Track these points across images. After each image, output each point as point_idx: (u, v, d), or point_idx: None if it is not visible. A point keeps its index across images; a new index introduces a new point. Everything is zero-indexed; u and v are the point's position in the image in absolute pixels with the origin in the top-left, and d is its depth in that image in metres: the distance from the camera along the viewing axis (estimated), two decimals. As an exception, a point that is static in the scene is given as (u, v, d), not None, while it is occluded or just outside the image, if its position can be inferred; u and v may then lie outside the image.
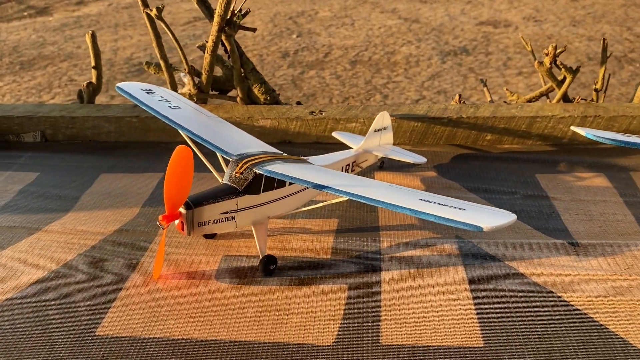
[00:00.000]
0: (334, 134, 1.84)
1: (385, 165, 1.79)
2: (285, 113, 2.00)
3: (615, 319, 1.16)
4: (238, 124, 1.81)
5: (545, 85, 2.16)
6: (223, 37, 1.98)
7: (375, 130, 1.64)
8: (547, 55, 2.00)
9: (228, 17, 1.94)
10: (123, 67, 4.29)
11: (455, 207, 1.07)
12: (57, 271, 1.33)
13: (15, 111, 2.08)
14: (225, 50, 2.04)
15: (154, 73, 2.16)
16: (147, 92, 1.57)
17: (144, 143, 2.03)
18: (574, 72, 2.01)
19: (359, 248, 1.39)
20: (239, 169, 1.29)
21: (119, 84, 1.58)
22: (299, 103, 2.16)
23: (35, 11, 5.99)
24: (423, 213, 1.06)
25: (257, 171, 1.27)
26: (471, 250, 1.38)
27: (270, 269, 1.30)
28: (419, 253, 1.37)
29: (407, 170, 1.78)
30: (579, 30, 4.83)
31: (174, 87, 2.10)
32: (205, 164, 1.45)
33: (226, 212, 1.26)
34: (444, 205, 1.09)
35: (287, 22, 5.28)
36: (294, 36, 4.88)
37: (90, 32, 2.14)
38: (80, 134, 2.06)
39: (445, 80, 3.91)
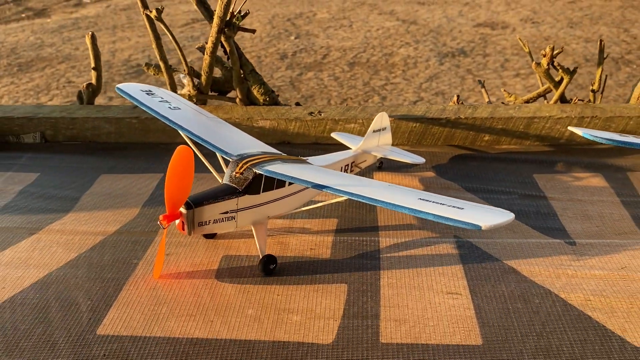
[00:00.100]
0: (333, 135, 1.85)
1: (384, 165, 1.79)
2: (284, 114, 2.01)
3: (612, 317, 1.17)
4: (237, 125, 1.82)
5: (542, 86, 2.17)
6: (222, 39, 1.99)
7: (374, 131, 1.65)
8: (544, 56, 2.02)
9: (227, 18, 1.94)
10: (121, 68, 4.30)
11: (453, 206, 1.08)
12: (57, 271, 1.34)
13: (15, 112, 2.08)
14: (225, 51, 2.04)
15: (154, 74, 2.16)
16: (147, 93, 1.58)
17: (144, 144, 2.03)
18: (571, 73, 2.02)
19: (358, 248, 1.40)
20: (239, 169, 1.29)
21: (119, 85, 1.59)
22: (298, 104, 2.17)
23: (33, 13, 5.99)
24: (422, 212, 1.07)
25: (256, 171, 1.28)
26: (470, 249, 1.39)
27: (270, 269, 1.31)
28: (418, 252, 1.38)
29: (406, 170, 1.79)
30: (576, 32, 4.86)
31: (174, 88, 2.11)
32: (205, 165, 1.46)
33: (226, 212, 1.27)
34: (443, 204, 1.09)
35: (285, 24, 5.29)
36: (292, 38, 4.90)
37: (90, 33, 2.15)
38: (80, 135, 2.07)
39: (443, 81, 3.92)
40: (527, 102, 2.18)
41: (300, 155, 1.54)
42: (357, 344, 1.12)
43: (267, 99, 2.11)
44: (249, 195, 1.29)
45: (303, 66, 4.26)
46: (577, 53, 4.36)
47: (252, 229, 1.32)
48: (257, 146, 1.44)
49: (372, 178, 1.72)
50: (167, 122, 1.46)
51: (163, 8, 1.99)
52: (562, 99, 2.10)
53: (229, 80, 2.14)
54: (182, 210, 1.22)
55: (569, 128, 1.77)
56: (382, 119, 1.67)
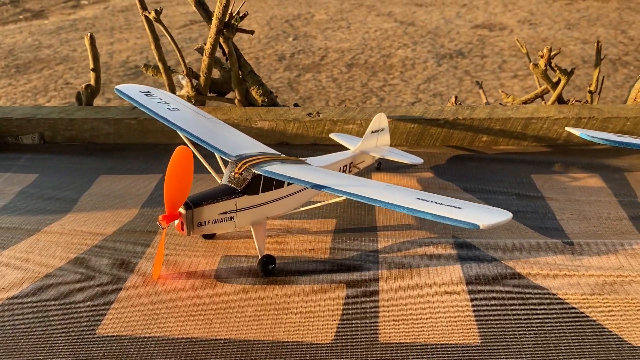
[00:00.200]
0: (332, 136, 1.86)
1: (382, 166, 1.80)
2: (282, 115, 2.01)
3: (609, 316, 1.18)
4: (236, 126, 1.82)
5: (540, 87, 2.18)
6: (221, 40, 1.99)
7: (372, 132, 1.66)
8: (542, 57, 2.03)
9: (226, 19, 1.95)
10: (119, 70, 4.30)
11: (452, 206, 1.09)
12: (57, 271, 1.34)
13: (14, 113, 2.08)
14: (223, 52, 2.05)
15: (152, 75, 2.17)
16: (146, 94, 1.58)
17: (143, 145, 2.04)
18: (569, 74, 2.03)
19: (357, 248, 1.41)
20: (238, 170, 1.30)
21: (118, 86, 1.59)
22: (296, 105, 2.18)
23: (31, 14, 5.99)
24: (420, 212, 1.08)
25: (255, 172, 1.28)
26: (468, 249, 1.39)
27: (269, 269, 1.31)
28: (416, 252, 1.39)
29: (404, 171, 1.80)
30: (574, 34, 4.87)
31: (173, 90, 2.11)
32: (204, 165, 1.46)
33: (225, 213, 1.27)
34: (441, 204, 1.10)
35: (283, 25, 5.30)
36: (291, 39, 4.90)
37: (89, 34, 2.15)
38: (79, 136, 2.07)
39: (441, 83, 3.93)
40: (525, 103, 2.18)
41: (298, 155, 1.54)
42: (356, 343, 1.12)
43: (266, 100, 2.11)
44: (248, 195, 1.29)
45: (301, 67, 4.26)
46: (574, 54, 4.37)
47: (251, 229, 1.33)
48: (255, 147, 1.44)
49: (371, 178, 1.72)
50: (166, 123, 1.47)
51: (162, 9, 2.00)
52: (560, 100, 2.10)
53: (227, 81, 2.14)
54: (181, 210, 1.22)
55: (567, 129, 1.78)
56: (380, 120, 1.67)
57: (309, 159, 1.48)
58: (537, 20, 5.25)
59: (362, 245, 1.42)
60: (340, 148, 1.71)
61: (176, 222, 1.24)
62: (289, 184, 1.35)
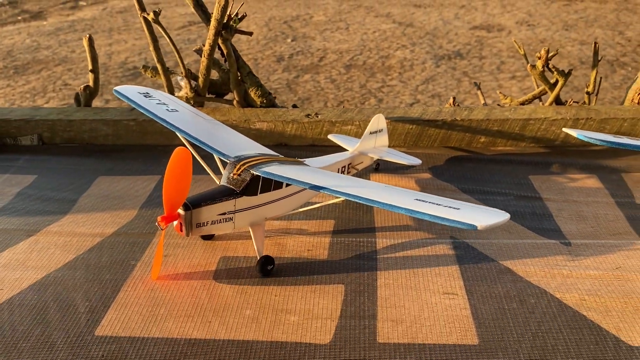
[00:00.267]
0: (330, 137, 1.86)
1: (380, 167, 1.80)
2: (281, 116, 2.02)
3: (607, 317, 1.18)
4: (235, 127, 1.83)
5: (537, 88, 2.19)
6: (220, 41, 2.00)
7: (370, 133, 1.66)
8: (539, 58, 2.03)
9: (224, 21, 1.95)
10: (117, 71, 4.30)
11: (450, 207, 1.09)
12: (55, 272, 1.34)
13: (13, 114, 2.08)
14: (222, 54, 2.05)
15: (151, 76, 2.17)
16: (145, 96, 1.58)
17: (142, 146, 2.04)
18: (566, 75, 2.04)
19: (355, 248, 1.41)
20: (237, 171, 1.30)
21: (117, 88, 1.60)
22: (294, 106, 2.18)
23: (30, 15, 5.99)
24: (418, 212, 1.08)
25: (254, 173, 1.28)
26: (466, 250, 1.40)
27: (268, 269, 1.31)
28: (415, 253, 1.39)
29: (402, 172, 1.80)
30: (572, 35, 4.88)
31: (171, 91, 2.12)
32: (202, 166, 1.46)
33: (224, 213, 1.27)
34: (439, 205, 1.10)
35: (281, 26, 5.31)
36: (289, 40, 4.91)
37: (88, 35, 2.15)
38: (78, 137, 2.07)
39: (440, 84, 3.94)
40: (523, 104, 2.19)
41: (297, 157, 1.55)
42: (355, 344, 1.12)
43: (264, 101, 2.12)
44: (247, 196, 1.29)
45: (300, 69, 4.27)
46: (572, 55, 4.39)
47: (250, 230, 1.33)
48: (254, 148, 1.44)
49: (369, 179, 1.73)
50: (165, 124, 1.47)
51: (160, 11, 2.00)
52: (557, 101, 2.11)
53: (226, 82, 2.14)
54: (180, 211, 1.23)
55: (564, 130, 1.78)
56: (378, 121, 1.68)
57: (307, 160, 1.48)
58: (535, 22, 5.27)
59: (361, 246, 1.42)
60: (339, 149, 1.71)
61: (175, 223, 1.24)
62: (287, 185, 1.35)
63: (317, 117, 2.00)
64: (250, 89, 2.11)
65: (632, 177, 1.75)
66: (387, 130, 1.74)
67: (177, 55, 2.05)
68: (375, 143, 1.69)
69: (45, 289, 1.29)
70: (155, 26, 2.01)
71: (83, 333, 1.16)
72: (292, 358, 1.09)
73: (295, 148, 1.99)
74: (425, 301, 1.23)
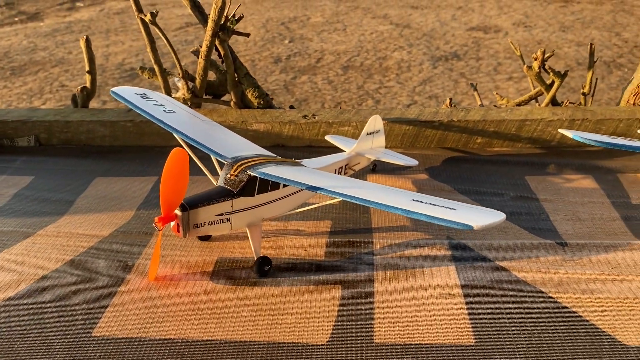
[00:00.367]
0: (327, 138, 1.86)
1: (377, 168, 1.81)
2: (278, 117, 2.02)
3: (603, 316, 1.19)
4: (232, 128, 1.83)
5: (534, 89, 2.20)
6: (217, 42, 2.00)
7: (367, 134, 1.67)
8: (535, 59, 2.04)
9: (222, 22, 1.96)
10: (115, 72, 4.30)
11: (446, 207, 1.10)
12: (52, 274, 1.34)
13: (10, 115, 2.08)
14: (219, 55, 2.06)
15: (148, 78, 2.17)
16: (142, 97, 1.58)
17: (139, 147, 2.04)
18: (562, 76, 2.04)
19: (352, 249, 1.41)
20: (234, 172, 1.30)
21: (114, 89, 1.60)
22: (292, 107, 2.18)
23: (26, 17, 5.98)
24: (415, 213, 1.08)
25: (251, 173, 1.29)
26: (462, 250, 1.40)
27: (265, 270, 1.32)
28: (411, 254, 1.40)
29: (399, 172, 1.80)
30: (568, 36, 4.90)
31: (168, 92, 2.12)
32: (200, 167, 1.47)
33: (221, 214, 1.28)
34: (435, 205, 1.11)
35: (279, 28, 5.31)
36: (286, 42, 4.91)
37: (85, 36, 2.15)
38: (75, 138, 2.07)
39: (437, 85, 3.95)
40: (519, 105, 2.20)
41: (294, 157, 1.55)
42: (351, 344, 1.13)
43: (262, 102, 2.12)
44: (244, 197, 1.30)
45: (297, 70, 4.27)
46: (569, 57, 4.40)
47: (247, 230, 1.33)
48: (251, 149, 1.45)
49: (366, 180, 1.73)
50: (162, 125, 1.47)
51: (157, 12, 2.00)
52: (554, 102, 2.12)
53: (223, 83, 2.15)
54: (177, 212, 1.23)
55: (560, 130, 1.79)
56: (375, 122, 1.68)
57: (304, 161, 1.48)
58: (532, 23, 5.28)
59: (358, 246, 1.43)
60: (336, 150, 1.72)
61: (172, 223, 1.24)
62: (284, 185, 1.35)
63: (314, 118, 2.00)
64: (248, 90, 2.11)
65: (628, 177, 1.76)
66: (384, 131, 1.74)
67: (174, 57, 2.05)
68: (372, 144, 1.69)
69: (42, 290, 1.29)
70: (152, 27, 2.02)
71: (80, 334, 1.16)
72: (289, 358, 1.10)
73: (293, 149, 1.99)
74: (422, 301, 1.23)
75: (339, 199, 1.19)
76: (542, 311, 1.20)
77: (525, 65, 2.07)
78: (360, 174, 1.75)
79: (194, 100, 2.11)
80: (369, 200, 1.13)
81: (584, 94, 2.15)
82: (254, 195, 1.31)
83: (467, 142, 1.99)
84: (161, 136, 2.00)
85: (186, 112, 1.58)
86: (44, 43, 5.07)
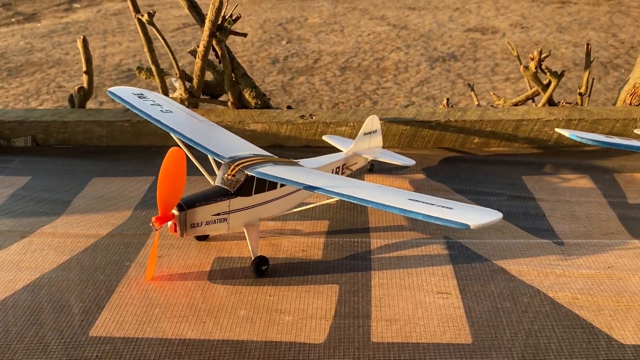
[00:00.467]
0: (324, 138, 1.86)
1: (374, 167, 1.81)
2: (275, 117, 2.02)
3: (599, 315, 1.19)
4: (229, 128, 1.83)
5: (530, 89, 2.20)
6: (214, 43, 2.00)
7: (364, 134, 1.67)
8: (532, 59, 2.05)
9: (219, 22, 1.96)
10: (112, 73, 4.29)
11: (443, 206, 1.10)
12: (49, 274, 1.34)
13: (6, 116, 2.08)
14: (216, 55, 2.06)
15: (145, 78, 2.17)
16: (139, 97, 1.58)
17: (136, 147, 2.04)
18: (559, 76, 2.05)
19: (350, 249, 1.42)
20: (231, 171, 1.30)
21: (111, 89, 1.60)
22: (289, 107, 2.19)
23: (23, 17, 5.97)
24: (412, 212, 1.08)
25: (248, 173, 1.29)
26: (459, 250, 1.41)
27: (262, 270, 1.32)
28: (409, 253, 1.40)
29: (397, 172, 1.81)
30: (565, 37, 4.91)
31: (165, 92, 2.12)
32: (197, 167, 1.47)
33: (218, 214, 1.28)
34: (433, 204, 1.11)
35: (276, 29, 5.31)
36: (284, 42, 4.92)
37: (82, 37, 2.15)
38: (72, 139, 2.07)
39: (434, 86, 3.95)
40: (516, 105, 2.20)
41: (291, 157, 1.55)
42: (349, 343, 1.13)
43: (259, 102, 2.12)
44: (241, 197, 1.30)
45: (294, 71, 4.27)
46: (566, 57, 4.41)
47: (244, 230, 1.33)
48: (248, 149, 1.45)
49: (363, 180, 1.73)
50: (159, 125, 1.47)
51: (155, 12, 2.00)
52: (550, 102, 2.12)
53: (220, 83, 2.15)
54: (175, 212, 1.23)
55: (557, 130, 1.79)
56: (372, 122, 1.68)
57: (301, 161, 1.49)
58: (529, 24, 5.29)
59: (355, 246, 1.43)
60: (333, 150, 1.72)
61: (169, 223, 1.24)
62: (282, 185, 1.36)
63: (312, 118, 2.01)
64: (245, 90, 2.11)
65: (624, 177, 1.77)
66: (381, 131, 1.74)
67: (171, 57, 2.05)
68: (369, 144, 1.70)
69: (39, 290, 1.29)
70: (149, 28, 2.02)
71: (77, 334, 1.16)
72: (287, 358, 1.10)
73: (290, 149, 1.99)
74: (419, 301, 1.24)
75: (337, 198, 1.19)
76: (539, 310, 1.20)
77: (522, 66, 2.08)
78: (358, 174, 1.75)
79: (191, 101, 2.10)
80: (367, 200, 1.13)
81: (580, 94, 2.16)
82: (251, 195, 1.31)
83: (464, 142, 2.00)
84: (158, 136, 2.00)
85: (183, 112, 1.58)
86: (41, 44, 5.06)
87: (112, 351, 1.11)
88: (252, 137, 1.97)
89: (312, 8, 6.02)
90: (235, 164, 1.31)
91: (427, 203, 1.12)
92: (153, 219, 1.21)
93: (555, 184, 1.73)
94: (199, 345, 1.12)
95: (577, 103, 2.17)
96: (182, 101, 2.08)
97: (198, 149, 1.40)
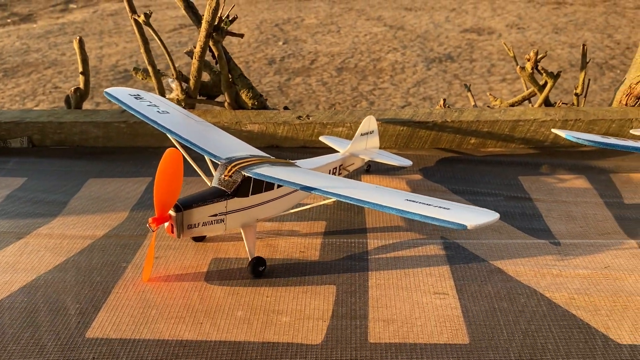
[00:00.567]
0: (321, 138, 1.86)
1: (371, 168, 1.81)
2: (272, 118, 2.02)
3: (596, 315, 1.19)
4: (226, 129, 1.83)
5: (527, 90, 2.21)
6: (211, 43, 2.00)
7: (361, 134, 1.67)
8: (528, 60, 2.05)
9: (215, 23, 1.96)
10: (108, 74, 4.29)
11: (440, 207, 1.10)
12: (46, 275, 1.34)
13: (2, 117, 2.07)
14: (213, 56, 2.06)
15: (142, 79, 2.17)
16: (136, 97, 1.58)
17: (132, 148, 2.03)
18: (555, 77, 2.05)
19: (347, 249, 1.42)
20: (228, 172, 1.30)
21: (108, 89, 1.59)
22: (286, 108, 2.18)
23: (19, 18, 5.96)
24: (409, 212, 1.09)
25: (245, 174, 1.29)
26: (456, 250, 1.41)
27: (260, 271, 1.31)
28: (405, 254, 1.40)
29: (393, 173, 1.81)
30: (561, 38, 4.93)
31: (162, 93, 2.12)
32: (194, 168, 1.46)
33: (215, 215, 1.27)
34: (429, 205, 1.11)
35: (273, 29, 5.31)
36: (280, 43, 4.92)
37: (78, 38, 2.15)
38: (68, 140, 2.06)
39: (431, 86, 3.96)
40: (512, 105, 2.21)
41: (288, 158, 1.55)
42: (346, 344, 1.13)
43: (256, 103, 2.12)
44: (238, 198, 1.29)
45: (291, 71, 4.27)
46: (562, 58, 4.42)
47: (241, 231, 1.33)
48: (245, 149, 1.45)
49: (360, 180, 1.73)
50: (156, 126, 1.47)
51: (151, 13, 2.00)
52: (547, 103, 2.13)
53: (217, 84, 2.15)
54: (171, 213, 1.23)
55: (553, 130, 1.80)
56: (369, 123, 1.68)
57: (298, 162, 1.49)
58: (525, 25, 5.31)
59: (352, 246, 1.43)
60: (330, 150, 1.72)
61: (166, 224, 1.24)
62: (278, 186, 1.35)
63: (309, 119, 2.01)
64: (242, 91, 2.11)
65: (620, 177, 1.77)
66: (378, 132, 1.74)
67: (168, 58, 2.05)
68: (366, 144, 1.70)
69: (35, 291, 1.28)
70: (146, 28, 2.01)
71: (74, 335, 1.15)
72: (284, 359, 1.09)
73: (287, 150, 1.99)
74: (416, 301, 1.24)
75: (334, 199, 1.19)
76: (535, 310, 1.21)
77: (519, 67, 2.08)
78: (355, 175, 1.75)
79: (188, 101, 2.10)
80: (364, 201, 1.13)
81: (576, 94, 2.16)
82: (248, 196, 1.31)
83: (461, 143, 2.00)
84: (155, 137, 1.99)
85: (180, 112, 1.58)
86: (37, 44, 5.05)
87: (108, 352, 1.11)
88: (248, 137, 1.97)
89: (308, 9, 6.02)
90: (232, 164, 1.31)
91: (424, 203, 1.12)
92: (150, 220, 1.21)
93: (551, 185, 1.74)
94: (196, 347, 1.12)
95: (573, 104, 2.17)
96: (178, 102, 2.08)
97: (195, 149, 1.40)
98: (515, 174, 1.80)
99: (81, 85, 2.20)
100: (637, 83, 2.06)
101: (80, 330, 1.16)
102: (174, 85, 2.09)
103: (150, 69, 2.08)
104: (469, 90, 2.44)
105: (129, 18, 2.01)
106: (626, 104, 2.10)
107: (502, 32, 5.11)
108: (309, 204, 1.45)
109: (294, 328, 1.16)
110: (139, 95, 1.60)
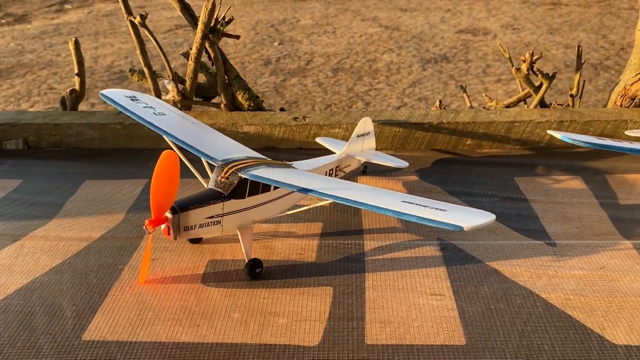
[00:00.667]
0: (318, 140, 1.87)
1: (368, 169, 1.81)
2: (269, 119, 2.02)
3: (591, 316, 1.20)
4: (222, 130, 1.83)
5: (522, 91, 2.21)
6: (207, 44, 2.00)
7: (358, 136, 1.67)
8: (524, 61, 2.06)
9: (211, 24, 1.96)
10: (104, 75, 4.27)
11: (436, 208, 1.10)
12: (42, 277, 1.33)
13: (-3, 118, 2.07)
14: (209, 57, 2.05)
15: (138, 80, 2.16)
16: (132, 99, 1.58)
17: (129, 150, 2.03)
18: (550, 78, 2.06)
19: (343, 251, 1.42)
20: (224, 174, 1.30)
21: (103, 91, 1.59)
22: (282, 109, 2.19)
23: (14, 19, 5.93)
24: (405, 214, 1.09)
25: (242, 176, 1.29)
26: (452, 251, 1.41)
27: (256, 272, 1.31)
28: (402, 255, 1.40)
29: (390, 174, 1.81)
30: (556, 38, 4.94)
31: (158, 94, 2.11)
32: (190, 170, 1.46)
33: (212, 217, 1.27)
34: (426, 206, 1.11)
35: (268, 30, 5.31)
36: (276, 44, 4.91)
37: (73, 39, 2.14)
38: (64, 141, 2.06)
39: (426, 87, 3.96)
40: (508, 106, 2.21)
41: (285, 160, 1.55)
42: (343, 345, 1.13)
43: (252, 104, 2.12)
44: (235, 199, 1.29)
45: (287, 72, 4.27)
46: (557, 59, 4.44)
47: (238, 233, 1.33)
48: (242, 151, 1.45)
49: (357, 182, 1.73)
50: (152, 128, 1.47)
51: (147, 14, 2.00)
52: (542, 104, 2.14)
53: (213, 85, 2.14)
54: (168, 214, 1.23)
55: (548, 132, 1.80)
56: (365, 124, 1.69)
57: (295, 163, 1.49)
58: (520, 25, 5.32)
59: (349, 248, 1.43)
60: (326, 152, 1.72)
61: (162, 226, 1.24)
62: (275, 188, 1.35)
63: (305, 120, 2.01)
64: (238, 93, 2.11)
65: (616, 178, 1.78)
66: (374, 133, 1.75)
67: (163, 59, 2.05)
68: (362, 146, 1.70)
69: (31, 294, 1.28)
70: (141, 29, 2.01)
71: (70, 338, 1.15)
72: (281, 360, 1.10)
73: (283, 151, 1.99)
74: (413, 302, 1.24)
75: (330, 200, 1.19)
76: (531, 311, 1.21)
77: (514, 68, 2.09)
78: (351, 176, 1.76)
79: (184, 103, 2.10)
80: (360, 202, 1.14)
81: (571, 95, 2.17)
82: (244, 198, 1.31)
83: (457, 144, 2.00)
84: (151, 139, 1.99)
85: (176, 114, 1.57)
86: (31, 45, 5.03)
87: (105, 355, 1.11)
88: (245, 139, 1.96)
89: (304, 9, 6.02)
90: (229, 166, 1.31)
91: (420, 205, 1.13)
92: (146, 222, 1.21)
93: (547, 185, 1.74)
94: (192, 349, 1.12)
95: (568, 105, 2.18)
96: (174, 103, 2.07)
97: (191, 151, 1.40)
98: (511, 175, 1.81)
99: (77, 87, 2.19)
100: (632, 84, 2.07)
101: (77, 332, 1.16)
102: (170, 86, 2.09)
103: (146, 70, 2.08)
104: (465, 91, 2.44)
105: (124, 19, 2.01)
106: (621, 105, 2.11)
107: (497, 32, 5.12)
108: (306, 206, 1.46)
109: (291, 330, 1.16)
110: (135, 97, 1.60)
